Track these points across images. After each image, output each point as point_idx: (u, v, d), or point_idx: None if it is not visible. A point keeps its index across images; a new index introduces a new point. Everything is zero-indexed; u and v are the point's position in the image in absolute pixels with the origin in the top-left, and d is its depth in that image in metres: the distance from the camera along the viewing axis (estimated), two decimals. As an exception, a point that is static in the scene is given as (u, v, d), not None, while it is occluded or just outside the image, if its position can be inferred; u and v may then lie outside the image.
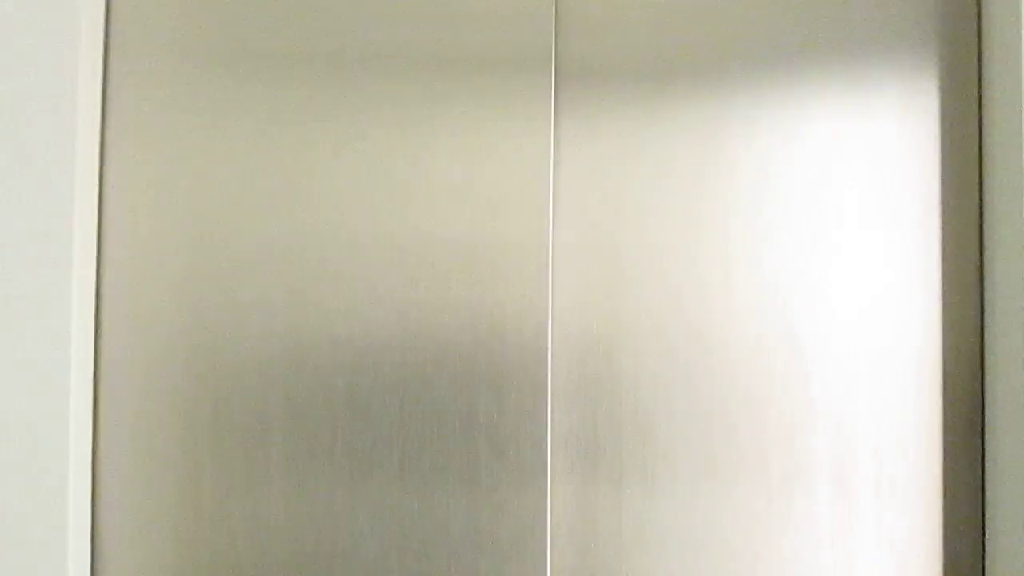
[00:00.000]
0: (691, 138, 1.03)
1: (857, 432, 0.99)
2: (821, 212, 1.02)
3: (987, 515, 1.00)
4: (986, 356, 1.01)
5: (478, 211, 0.99)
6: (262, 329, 0.97)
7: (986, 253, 1.02)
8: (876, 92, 1.03)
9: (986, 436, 1.00)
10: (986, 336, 1.01)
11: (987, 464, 0.99)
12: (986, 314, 1.01)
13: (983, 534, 1.00)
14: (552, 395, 0.98)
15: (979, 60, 1.05)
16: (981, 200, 1.03)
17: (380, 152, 1.00)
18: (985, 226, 1.02)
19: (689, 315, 1.00)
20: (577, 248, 1.01)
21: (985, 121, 1.03)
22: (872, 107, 1.03)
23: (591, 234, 1.01)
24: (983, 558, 1.00)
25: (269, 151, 1.00)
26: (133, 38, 1.00)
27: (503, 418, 0.97)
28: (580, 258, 1.01)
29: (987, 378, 1.00)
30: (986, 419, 1.00)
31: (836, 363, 1.00)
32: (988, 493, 0.99)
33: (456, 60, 1.01)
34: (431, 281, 0.98)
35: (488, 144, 1.00)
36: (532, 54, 1.01)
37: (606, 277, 1.01)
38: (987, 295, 1.01)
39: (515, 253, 0.99)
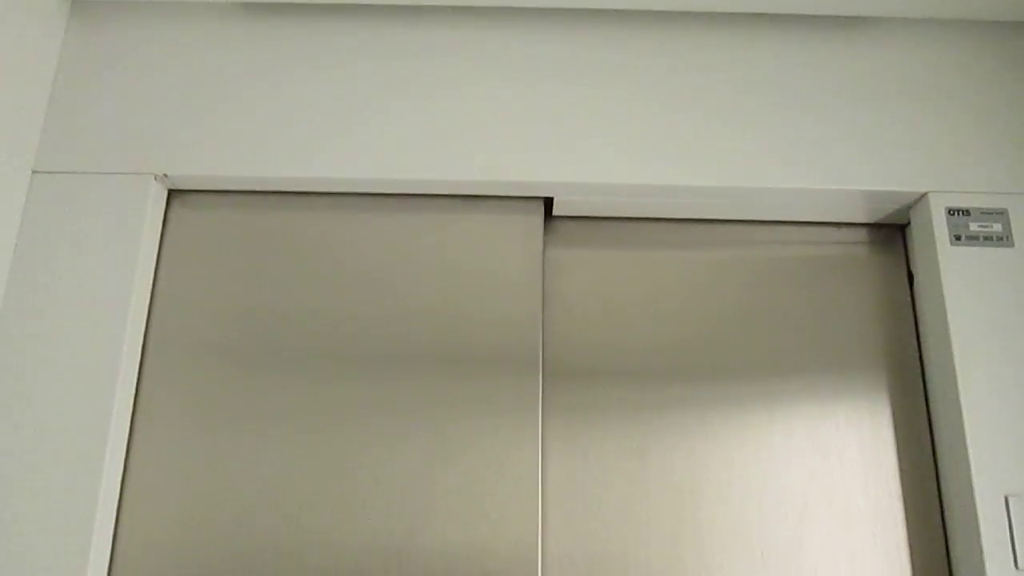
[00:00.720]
0: (670, 446, 1.11)
1: None
2: (802, 553, 1.08)
3: None
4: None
5: (473, 518, 1.04)
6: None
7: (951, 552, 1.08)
8: (837, 428, 1.13)
9: None
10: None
11: None
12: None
13: None
14: None
15: (923, 377, 1.16)
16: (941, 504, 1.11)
17: (381, 469, 1.07)
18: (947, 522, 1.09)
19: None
20: (564, 553, 1.06)
21: (936, 434, 1.13)
22: (834, 442, 1.13)
23: (577, 539, 1.07)
24: None
25: (272, 466, 1.07)
26: (168, 343, 1.12)
27: None
28: (568, 562, 1.06)
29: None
30: None
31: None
32: None
33: (455, 369, 1.11)
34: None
35: (482, 453, 1.07)
36: (523, 361, 1.11)
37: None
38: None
39: (507, 560, 1.03)
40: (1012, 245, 1.11)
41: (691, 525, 1.07)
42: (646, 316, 1.17)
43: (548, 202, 1.19)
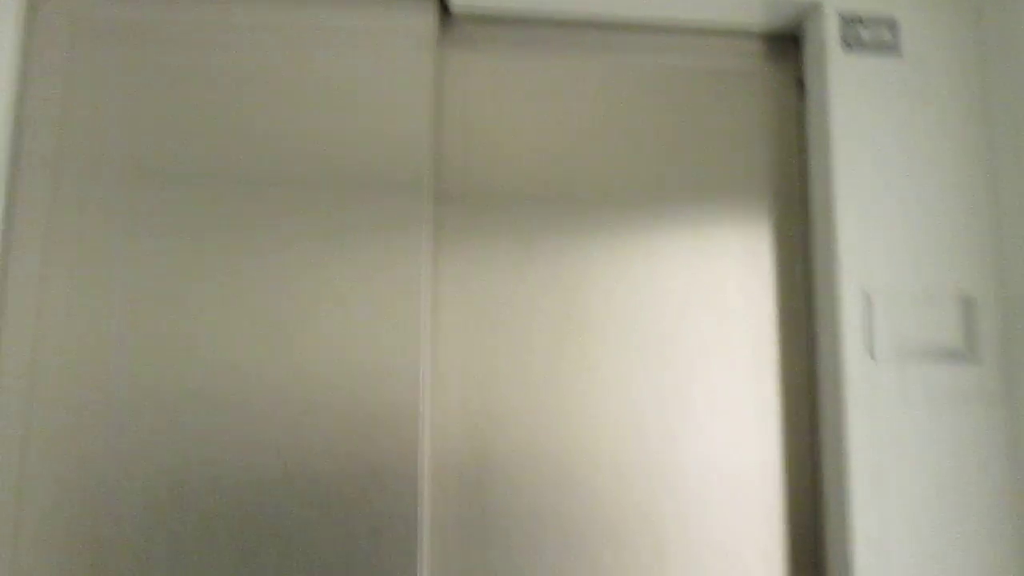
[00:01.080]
0: (557, 251, 1.12)
1: (709, 563, 1.07)
2: (677, 348, 1.12)
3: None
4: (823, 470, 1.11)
5: (357, 336, 1.03)
6: (147, 471, 0.98)
7: (818, 375, 1.13)
8: (720, 233, 1.16)
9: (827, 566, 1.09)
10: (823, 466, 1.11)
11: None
12: (820, 433, 1.12)
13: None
14: (426, 534, 1.01)
15: (806, 206, 1.18)
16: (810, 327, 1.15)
17: (265, 292, 1.03)
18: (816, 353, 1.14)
19: (558, 457, 1.07)
20: (452, 378, 1.08)
21: (810, 235, 1.17)
22: (716, 246, 1.15)
23: (465, 350, 1.08)
24: None
25: (153, 289, 1.02)
26: (33, 160, 1.04)
27: (380, 561, 0.99)
28: (454, 394, 1.07)
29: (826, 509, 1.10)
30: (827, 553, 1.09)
31: (691, 494, 1.08)
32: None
33: (341, 189, 1.06)
34: (312, 421, 1.01)
35: (369, 272, 1.05)
36: (411, 180, 1.08)
37: (479, 411, 1.07)
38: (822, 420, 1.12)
39: (391, 372, 1.03)
40: (900, 55, 1.12)
41: (576, 323, 1.10)
42: (542, 129, 1.15)
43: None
